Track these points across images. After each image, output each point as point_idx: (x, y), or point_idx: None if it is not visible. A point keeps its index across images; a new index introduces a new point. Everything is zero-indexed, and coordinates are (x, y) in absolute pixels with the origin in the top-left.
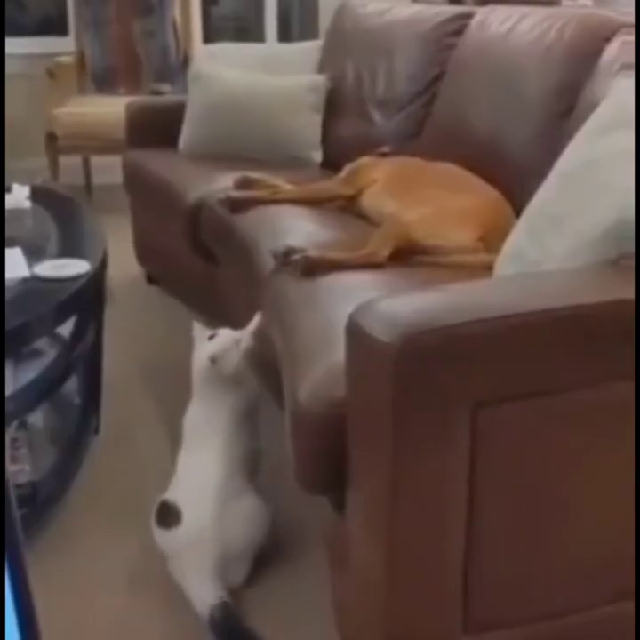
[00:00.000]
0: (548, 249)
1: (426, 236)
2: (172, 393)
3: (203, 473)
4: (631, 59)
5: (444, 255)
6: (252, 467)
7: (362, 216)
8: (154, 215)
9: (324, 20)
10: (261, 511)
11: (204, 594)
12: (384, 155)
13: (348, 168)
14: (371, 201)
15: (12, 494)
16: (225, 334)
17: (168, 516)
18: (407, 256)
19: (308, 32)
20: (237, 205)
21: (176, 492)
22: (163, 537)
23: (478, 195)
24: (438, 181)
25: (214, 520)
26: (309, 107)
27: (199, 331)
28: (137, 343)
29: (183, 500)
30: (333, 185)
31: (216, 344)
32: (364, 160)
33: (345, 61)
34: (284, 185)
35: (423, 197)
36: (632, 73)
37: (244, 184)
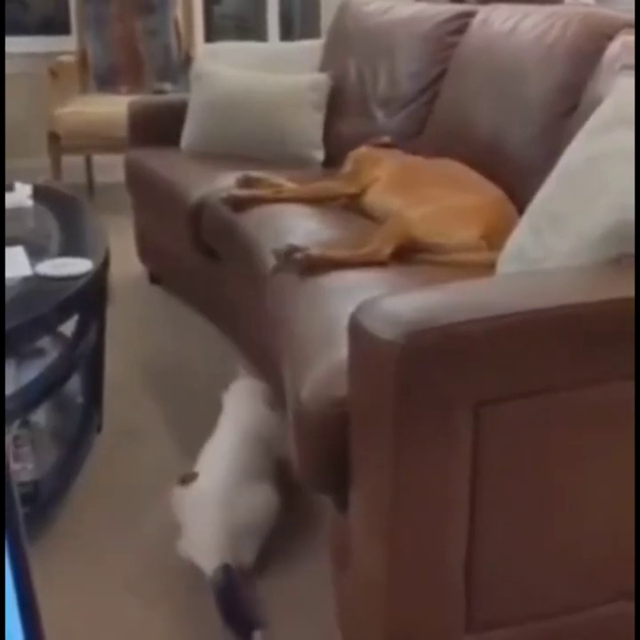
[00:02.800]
0: (550, 247)
1: (428, 235)
2: (174, 391)
3: (225, 442)
4: (633, 58)
5: (447, 253)
6: (275, 456)
7: (364, 214)
8: (156, 214)
9: (326, 19)
10: (272, 495)
11: (208, 559)
12: (386, 146)
13: (351, 156)
14: (374, 199)
15: (16, 493)
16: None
17: (189, 478)
18: (409, 254)
19: (310, 30)
20: (240, 204)
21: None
22: (179, 495)
23: (480, 193)
24: (441, 179)
25: (223, 487)
26: (311, 105)
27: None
28: (139, 342)
29: (203, 465)
30: (337, 184)
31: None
32: (364, 151)
33: (347, 60)
34: (287, 184)
35: (425, 196)
36: (633, 72)
37: (246, 183)
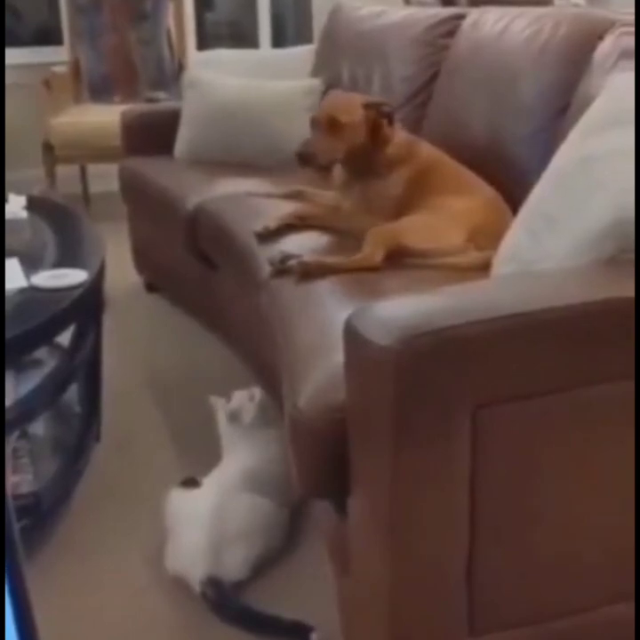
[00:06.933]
0: (545, 248)
1: (415, 240)
2: (173, 399)
3: (225, 467)
4: (627, 47)
5: (436, 258)
6: (276, 484)
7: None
8: (151, 222)
9: (318, 24)
10: (268, 512)
11: (193, 570)
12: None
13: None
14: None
15: (12, 508)
16: (238, 394)
17: (190, 482)
18: (401, 259)
19: (303, 36)
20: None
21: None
22: (176, 496)
23: (469, 195)
24: (429, 182)
25: (212, 501)
26: (305, 111)
27: (215, 401)
28: (137, 350)
29: (207, 479)
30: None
31: (232, 403)
32: None
33: (339, 64)
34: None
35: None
36: (626, 68)
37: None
